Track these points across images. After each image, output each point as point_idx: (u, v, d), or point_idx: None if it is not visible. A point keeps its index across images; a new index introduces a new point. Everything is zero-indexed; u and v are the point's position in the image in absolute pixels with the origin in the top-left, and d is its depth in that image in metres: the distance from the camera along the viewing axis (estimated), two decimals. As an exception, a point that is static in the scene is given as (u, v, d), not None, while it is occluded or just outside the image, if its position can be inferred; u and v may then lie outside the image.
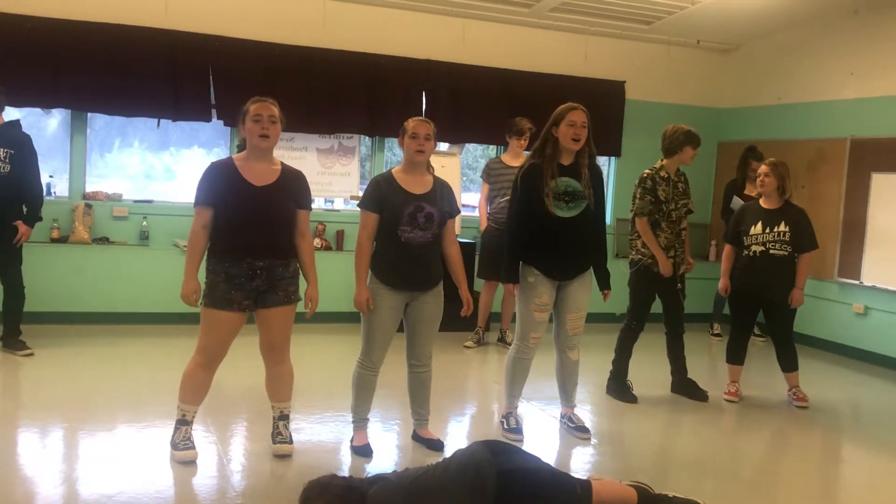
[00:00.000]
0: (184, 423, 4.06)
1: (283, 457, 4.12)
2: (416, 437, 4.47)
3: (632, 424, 5.22)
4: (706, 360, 7.03)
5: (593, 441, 4.78)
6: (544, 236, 4.53)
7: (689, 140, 5.47)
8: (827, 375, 6.91)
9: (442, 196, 4.22)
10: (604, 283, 4.74)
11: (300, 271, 4.12)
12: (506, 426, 4.78)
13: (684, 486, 4.01)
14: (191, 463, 3.97)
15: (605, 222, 4.76)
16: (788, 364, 5.77)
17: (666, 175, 5.50)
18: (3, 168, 5.68)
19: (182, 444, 4.02)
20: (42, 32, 6.61)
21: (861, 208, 7.34)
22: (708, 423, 5.32)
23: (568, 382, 4.85)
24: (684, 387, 5.76)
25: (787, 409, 5.70)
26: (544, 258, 4.55)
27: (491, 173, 6.93)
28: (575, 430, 4.81)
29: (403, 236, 4.09)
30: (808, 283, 7.63)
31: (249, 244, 3.90)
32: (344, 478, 3.37)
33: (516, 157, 6.88)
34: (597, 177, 4.63)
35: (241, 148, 4.09)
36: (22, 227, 5.81)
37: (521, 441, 4.66)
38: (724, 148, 8.90)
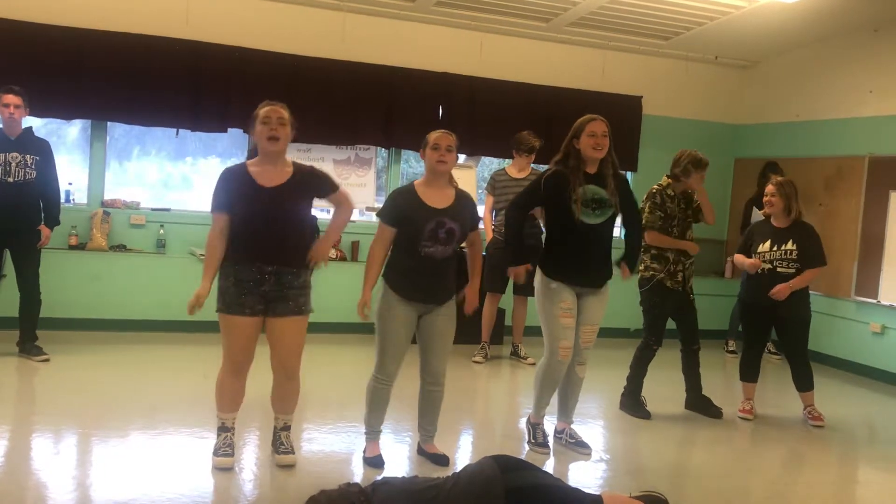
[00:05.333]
0: (223, 429, 4.11)
1: (287, 467, 4.12)
2: (422, 452, 4.45)
3: (645, 441, 5.18)
4: (721, 376, 6.99)
5: (606, 457, 4.76)
6: (568, 242, 4.53)
7: (697, 166, 5.47)
8: (843, 395, 6.85)
9: (464, 210, 4.21)
10: (629, 262, 4.78)
11: (310, 284, 4.11)
12: (532, 439, 4.76)
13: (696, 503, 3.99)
14: (227, 469, 4.00)
15: (640, 223, 4.89)
16: (803, 383, 5.72)
17: (672, 193, 5.52)
18: (31, 174, 5.76)
19: (221, 451, 4.06)
20: (64, 42, 6.69)
21: (879, 226, 7.29)
22: (722, 441, 5.28)
23: (570, 398, 4.81)
24: (699, 404, 5.72)
25: (803, 427, 5.65)
26: (566, 263, 4.55)
27: (496, 185, 6.90)
28: (576, 445, 4.77)
29: (424, 251, 4.08)
30: (824, 301, 7.70)
31: (257, 246, 3.90)
32: (348, 483, 3.37)
33: (522, 169, 6.87)
34: (623, 184, 4.65)
35: (252, 154, 4.11)
36: (45, 230, 5.90)
37: (548, 455, 4.64)
38: (741, 164, 8.87)
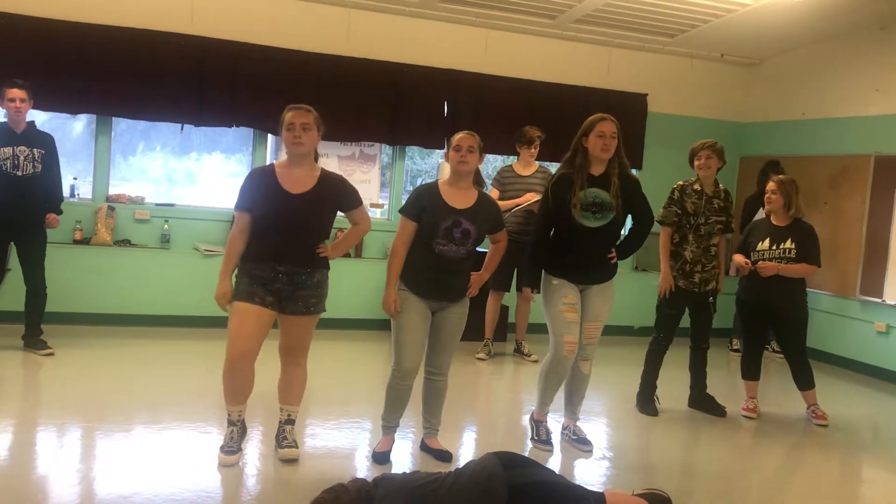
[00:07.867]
0: (229, 423, 4.13)
1: (290, 461, 4.13)
2: (425, 448, 4.45)
3: (648, 438, 5.18)
4: (724, 375, 6.98)
5: (609, 454, 4.75)
6: (568, 243, 4.54)
7: (692, 156, 5.50)
8: (847, 394, 6.83)
9: (482, 212, 4.21)
10: (620, 249, 4.68)
11: (326, 284, 4.11)
12: (535, 436, 4.77)
13: (698, 502, 3.98)
14: (231, 466, 4.01)
15: (649, 223, 4.77)
16: (804, 382, 5.72)
17: (699, 188, 5.47)
18: (37, 168, 5.79)
19: (226, 448, 4.09)
20: (70, 37, 6.69)
21: (884, 226, 7.27)
22: (725, 439, 5.27)
23: (575, 395, 4.82)
24: (702, 402, 5.72)
25: (806, 426, 5.64)
26: (565, 263, 4.56)
27: (503, 181, 6.90)
28: (577, 442, 4.78)
29: (437, 248, 4.10)
30: (829, 300, 7.71)
31: (272, 247, 3.93)
32: (352, 480, 3.36)
33: (527, 165, 6.88)
34: (633, 185, 4.62)
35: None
36: (52, 215, 5.89)
37: (551, 452, 4.64)
38: (746, 162, 8.85)
